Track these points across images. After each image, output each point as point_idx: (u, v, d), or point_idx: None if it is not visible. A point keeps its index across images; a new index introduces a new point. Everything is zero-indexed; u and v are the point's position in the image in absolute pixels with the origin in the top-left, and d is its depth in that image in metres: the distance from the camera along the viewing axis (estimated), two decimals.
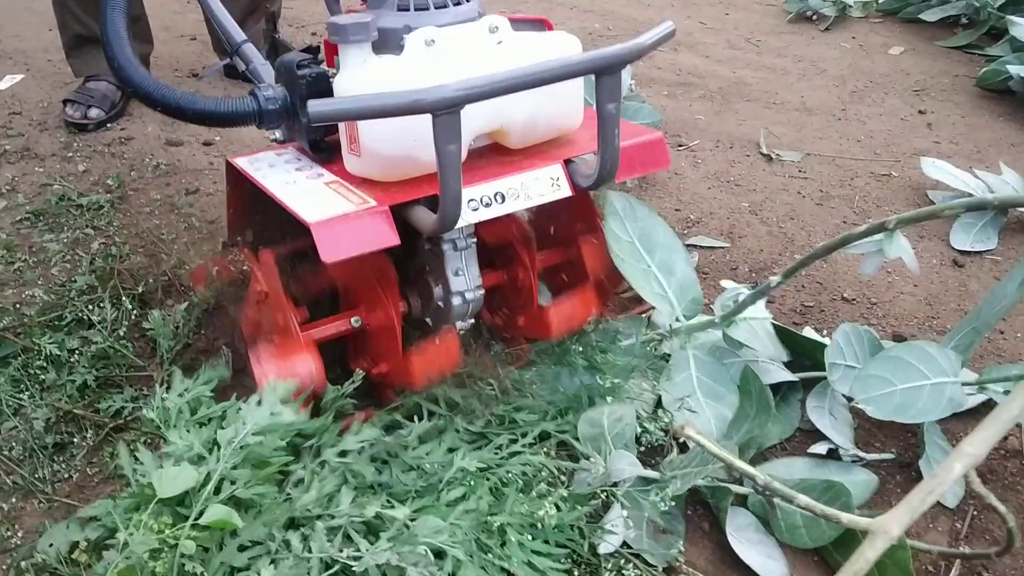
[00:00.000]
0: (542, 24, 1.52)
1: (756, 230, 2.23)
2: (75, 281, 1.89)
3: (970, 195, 2.23)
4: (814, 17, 3.82)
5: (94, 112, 2.62)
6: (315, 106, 1.06)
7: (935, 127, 2.85)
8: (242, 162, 1.46)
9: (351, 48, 1.30)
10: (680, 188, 2.43)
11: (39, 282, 1.94)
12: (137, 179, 2.37)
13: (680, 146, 2.69)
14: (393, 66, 1.30)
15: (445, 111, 1.07)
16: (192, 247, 1.94)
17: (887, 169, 2.58)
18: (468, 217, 1.29)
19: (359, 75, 1.29)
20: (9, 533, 1.41)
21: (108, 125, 2.64)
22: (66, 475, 1.51)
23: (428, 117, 1.08)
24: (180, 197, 2.28)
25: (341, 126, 1.33)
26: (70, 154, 2.49)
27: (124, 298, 1.81)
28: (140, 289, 1.84)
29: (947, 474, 1.09)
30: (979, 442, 1.11)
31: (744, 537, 1.38)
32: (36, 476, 1.50)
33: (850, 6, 3.78)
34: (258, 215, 1.57)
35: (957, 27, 3.59)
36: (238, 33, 1.69)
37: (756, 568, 1.34)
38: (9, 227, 2.15)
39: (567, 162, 1.40)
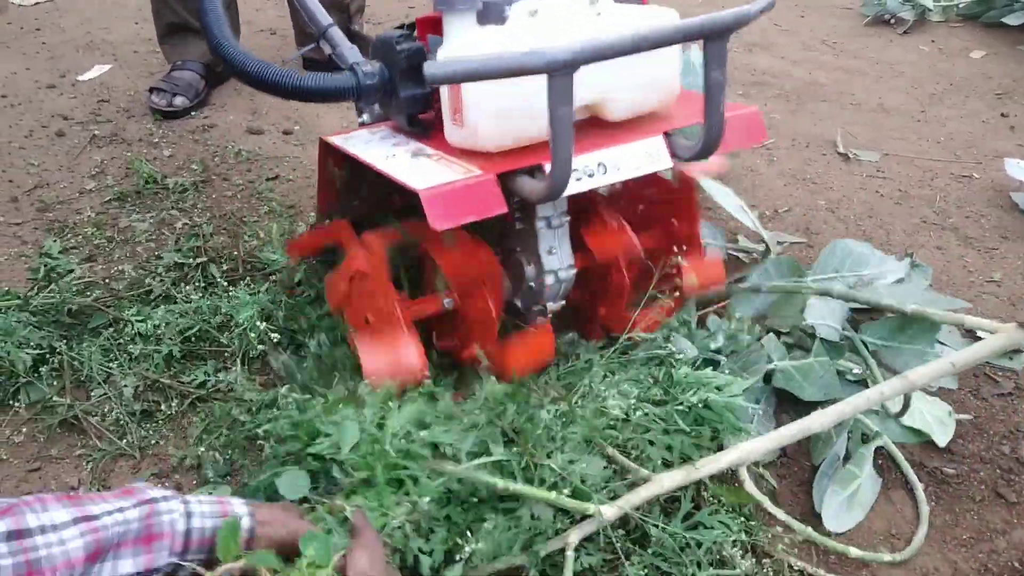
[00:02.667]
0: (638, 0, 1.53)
1: (834, 227, 2.20)
2: (161, 258, 1.95)
3: None
4: (892, 21, 3.76)
5: (179, 100, 2.69)
6: (432, 67, 1.07)
7: (1018, 130, 2.78)
8: (337, 140, 1.49)
9: (456, 17, 1.33)
10: (755, 184, 2.41)
11: (127, 258, 2.00)
12: (220, 164, 2.43)
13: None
14: (497, 35, 1.32)
15: (561, 71, 1.08)
16: (273, 229, 1.98)
17: (968, 171, 2.53)
18: (572, 187, 1.29)
19: (464, 44, 1.31)
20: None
21: (192, 113, 2.71)
22: (153, 440, 1.55)
23: (535, 86, 1.09)
24: (261, 183, 2.33)
25: (444, 99, 1.34)
26: (156, 140, 2.56)
27: (209, 275, 1.86)
28: (224, 267, 1.89)
29: None
30: None
31: None
32: (124, 441, 1.55)
33: (929, 10, 3.71)
34: (351, 193, 1.59)
35: None
36: (324, 17, 1.72)
37: None
38: (99, 207, 2.22)
39: (666, 135, 1.41)
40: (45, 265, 1.91)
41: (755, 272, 1.85)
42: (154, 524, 0.98)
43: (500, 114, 1.29)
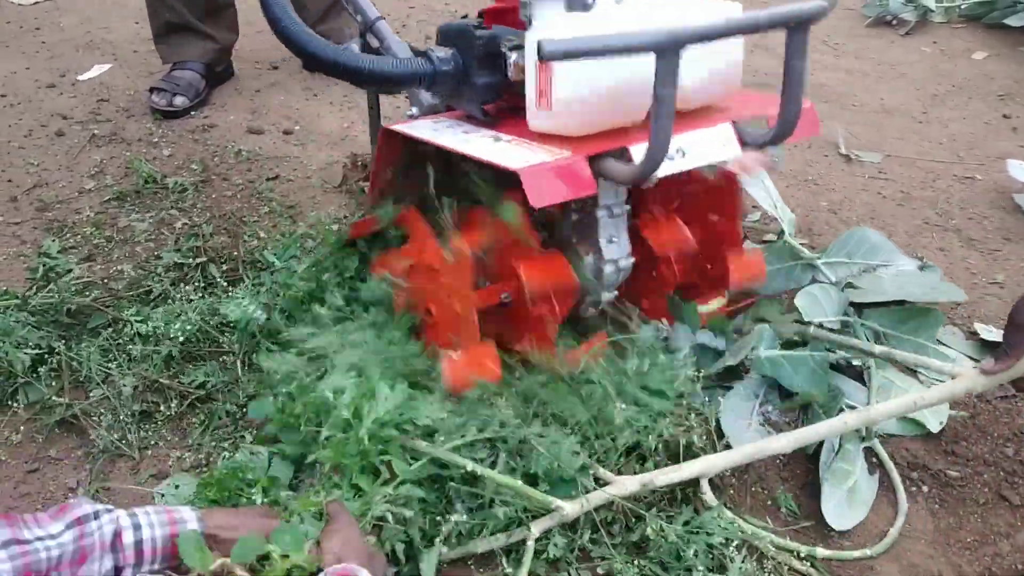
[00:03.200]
0: None
1: (836, 229, 2.19)
2: (161, 258, 1.94)
3: None
4: (893, 22, 3.75)
5: (179, 100, 2.68)
6: (548, 44, 1.10)
7: (1021, 131, 2.77)
8: (405, 128, 1.48)
9: (546, 3, 1.34)
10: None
11: (126, 258, 1.99)
12: (220, 164, 2.42)
13: None
14: (585, 22, 1.34)
15: (669, 50, 1.12)
16: (273, 230, 1.98)
17: (971, 172, 2.52)
18: (659, 170, 1.30)
19: (552, 30, 1.32)
20: (98, 494, 1.45)
21: (192, 113, 2.70)
22: (152, 441, 1.55)
23: (622, 71, 1.19)
24: (261, 183, 2.32)
25: (530, 82, 1.35)
26: (155, 139, 2.55)
27: (209, 275, 1.86)
28: (224, 267, 1.88)
29: None
30: None
31: None
32: (123, 441, 1.54)
33: (931, 11, 3.70)
34: (406, 182, 1.58)
35: None
36: (372, 10, 1.72)
37: None
38: (98, 206, 2.21)
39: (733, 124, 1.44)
40: (44, 265, 1.90)
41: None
42: (86, 545, 0.99)
43: (589, 98, 1.32)
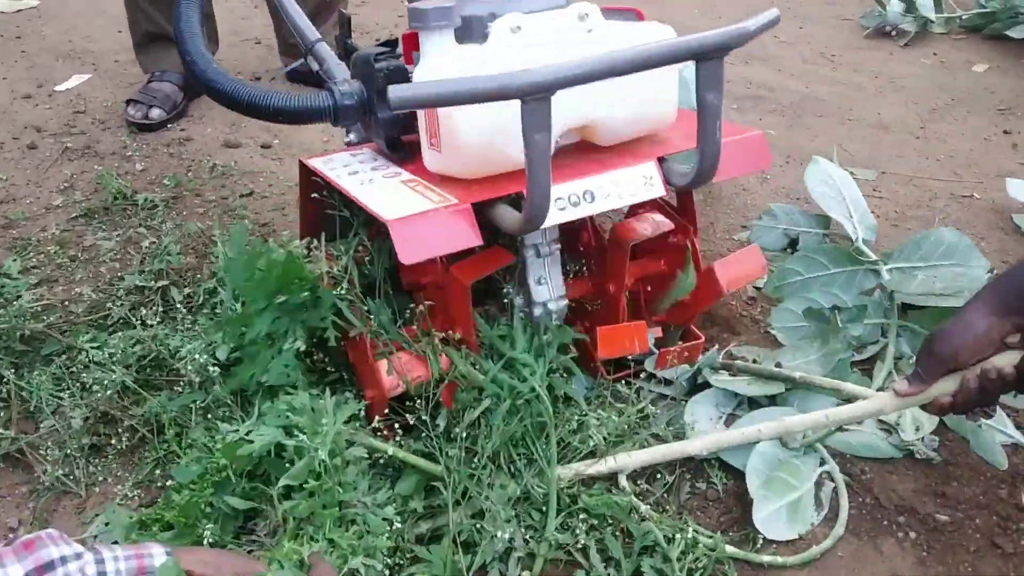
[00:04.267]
0: (634, 14, 1.45)
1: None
2: (123, 280, 1.87)
3: None
4: (893, 32, 3.67)
5: (155, 112, 2.62)
6: (396, 91, 0.98)
7: (1021, 148, 2.69)
8: (316, 163, 1.42)
9: (433, 34, 1.25)
10: (747, 204, 2.33)
11: (88, 279, 1.92)
12: (193, 179, 2.35)
13: None
14: (477, 54, 1.24)
15: (535, 96, 0.99)
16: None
17: (969, 190, 2.44)
18: (555, 217, 1.21)
19: (441, 63, 1.23)
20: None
21: (169, 126, 2.64)
22: (100, 477, 1.47)
23: (515, 106, 1.01)
24: (235, 199, 2.25)
25: (421, 122, 1.26)
26: (129, 153, 2.49)
27: (170, 299, 1.78)
28: (186, 291, 1.81)
29: None
30: None
31: None
32: (70, 477, 1.47)
33: (931, 21, 3.62)
34: (331, 218, 1.50)
35: None
36: (312, 32, 1.64)
37: None
38: (64, 223, 2.15)
39: (660, 160, 1.33)
40: (3, 286, 1.83)
41: (796, 259, 1.83)
42: None
43: (479, 139, 1.20)
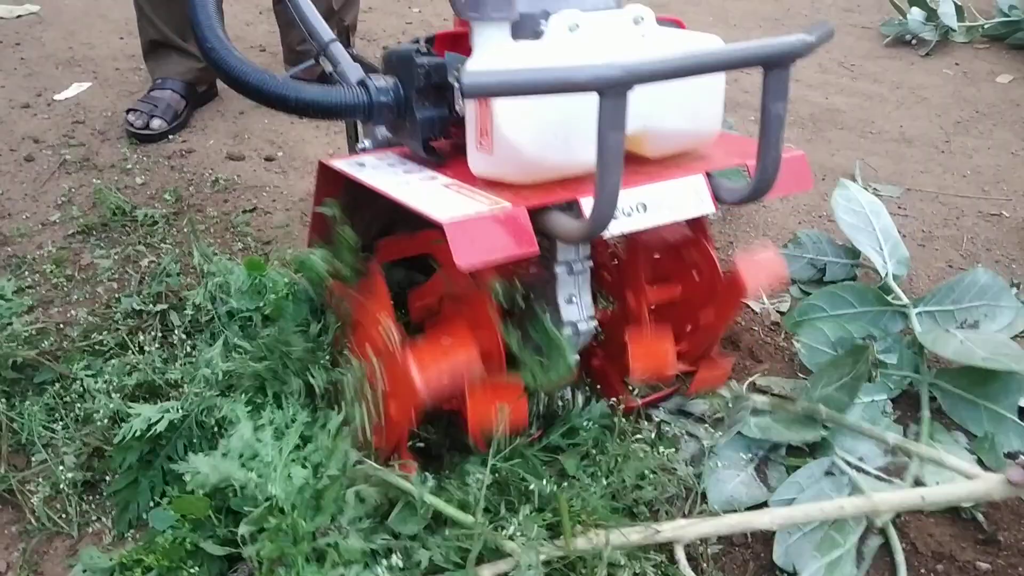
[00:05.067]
0: (675, 24, 1.38)
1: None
2: (120, 302, 1.79)
3: None
4: (913, 41, 3.59)
5: (156, 123, 2.54)
6: (472, 76, 0.91)
7: None
8: (340, 164, 1.31)
9: (489, 27, 1.17)
10: (767, 222, 2.25)
11: (85, 301, 1.85)
12: (195, 194, 2.28)
13: None
14: (534, 51, 1.16)
15: (616, 89, 0.93)
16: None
17: (997, 208, 2.35)
18: (612, 227, 1.13)
19: (496, 58, 1.15)
20: None
21: (170, 136, 2.56)
22: (94, 516, 1.40)
23: (576, 109, 0.97)
24: (237, 215, 2.17)
25: (470, 122, 1.18)
26: (129, 166, 2.41)
27: (169, 323, 1.71)
28: (186, 314, 1.73)
29: None
30: None
31: None
32: (62, 517, 1.39)
33: (953, 30, 3.53)
34: (354, 223, 1.42)
35: None
36: (326, 32, 1.56)
37: None
38: (61, 240, 2.07)
39: (707, 176, 1.25)
40: None
41: (821, 294, 1.72)
42: None
43: (536, 141, 1.12)
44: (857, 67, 3.39)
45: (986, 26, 3.56)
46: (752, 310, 1.88)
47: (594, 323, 1.37)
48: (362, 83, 1.30)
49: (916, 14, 3.52)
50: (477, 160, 1.19)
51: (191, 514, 1.15)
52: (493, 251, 1.06)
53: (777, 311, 1.88)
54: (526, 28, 1.20)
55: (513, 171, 1.17)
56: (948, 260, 2.11)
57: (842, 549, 1.31)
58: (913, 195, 2.42)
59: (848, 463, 1.43)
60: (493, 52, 1.17)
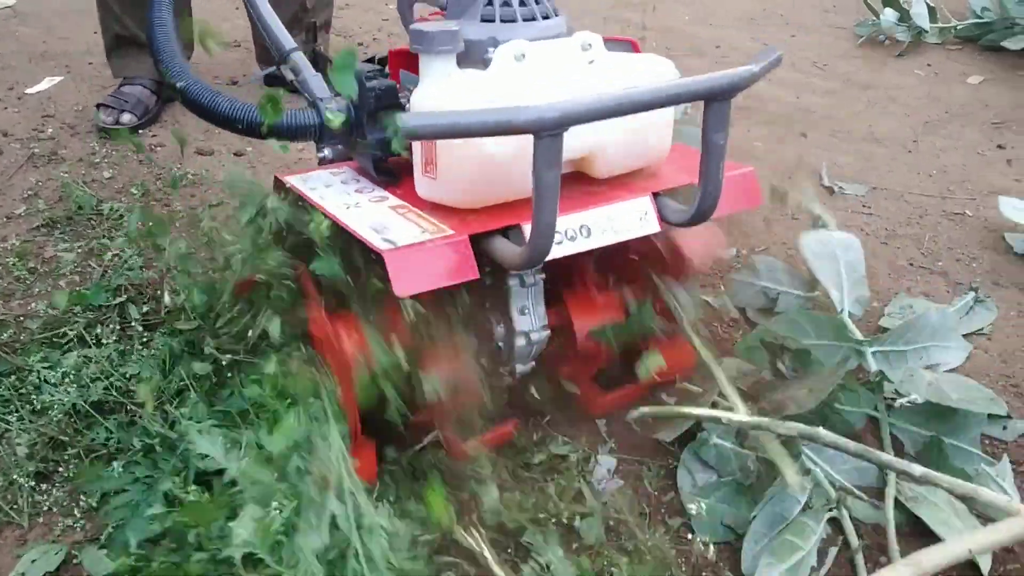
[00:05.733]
0: (629, 45, 1.41)
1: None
2: (82, 296, 1.79)
3: None
4: (886, 42, 3.61)
5: (126, 117, 2.54)
6: (409, 120, 0.96)
7: (1015, 164, 2.63)
8: (295, 180, 1.34)
9: (435, 59, 1.20)
10: (731, 220, 2.26)
11: (46, 294, 1.85)
12: (162, 188, 2.28)
13: None
14: (480, 81, 1.19)
15: (550, 132, 0.96)
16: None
17: (961, 208, 2.37)
18: (555, 251, 1.16)
19: (443, 89, 1.18)
20: None
21: (140, 131, 2.56)
22: (45, 507, 1.40)
23: (518, 139, 0.98)
24: (204, 209, 2.17)
25: (416, 147, 1.21)
26: (97, 160, 2.41)
27: (128, 316, 1.71)
28: (144, 309, 1.74)
29: None
30: None
31: None
32: (13, 507, 1.39)
33: (926, 31, 3.56)
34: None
35: None
36: (288, 40, 1.57)
37: None
38: (25, 233, 2.07)
39: (655, 196, 1.29)
40: None
41: (777, 321, 1.69)
42: None
43: (478, 169, 1.15)
44: (830, 67, 3.41)
45: (959, 27, 3.58)
46: (711, 306, 1.90)
47: (547, 333, 1.40)
48: (313, 105, 1.34)
49: (889, 15, 3.55)
50: (423, 185, 1.23)
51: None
52: (432, 279, 1.09)
53: (737, 307, 1.90)
54: (474, 55, 1.23)
55: (458, 197, 1.20)
56: (910, 259, 2.13)
57: (802, 552, 1.31)
58: (878, 193, 2.44)
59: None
60: (438, 83, 1.20)
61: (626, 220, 1.25)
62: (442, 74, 1.21)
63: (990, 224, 2.28)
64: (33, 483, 1.43)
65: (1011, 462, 1.49)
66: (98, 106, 2.57)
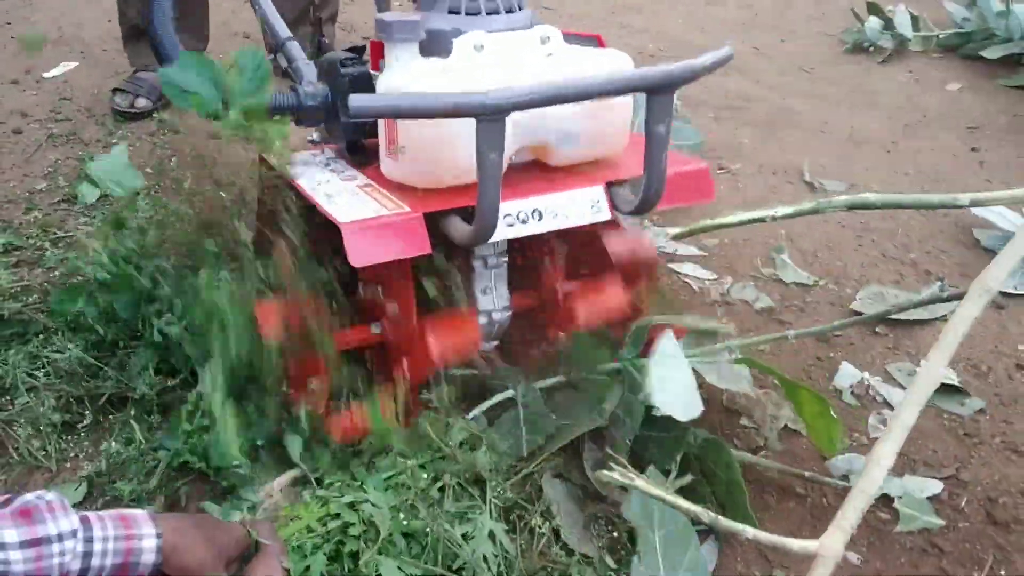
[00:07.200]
0: (595, 40, 1.49)
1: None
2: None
3: None
4: (871, 49, 3.75)
5: (141, 102, 2.65)
6: (357, 100, 1.04)
7: (987, 166, 2.76)
8: (271, 158, 1.46)
9: (397, 47, 1.29)
10: (715, 212, 2.37)
11: (67, 261, 1.96)
12: (174, 169, 2.39)
13: (721, 169, 2.65)
14: (438, 68, 1.28)
15: (489, 116, 1.05)
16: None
17: None
18: (503, 232, 1.26)
19: (403, 75, 1.27)
20: None
21: (154, 115, 2.67)
22: (71, 453, 1.51)
23: (471, 122, 1.06)
24: (215, 189, 2.29)
25: (381, 129, 1.31)
26: (114, 140, 2.53)
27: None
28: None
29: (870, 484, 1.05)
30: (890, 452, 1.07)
31: None
32: (43, 452, 1.51)
33: (909, 40, 3.70)
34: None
35: (1020, 66, 3.48)
36: (283, 30, 1.70)
37: None
38: (46, 207, 2.18)
39: (609, 185, 1.37)
40: None
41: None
42: (43, 566, 0.94)
43: (435, 151, 1.25)
44: (816, 71, 3.55)
45: (941, 36, 3.72)
46: (692, 288, 2.02)
47: (508, 313, 1.49)
48: (292, 88, 1.46)
49: (873, 23, 3.68)
50: (388, 165, 1.33)
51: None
52: (386, 251, 1.20)
53: (720, 292, 2.02)
54: (438, 45, 1.31)
55: (417, 177, 1.30)
56: (883, 251, 2.26)
57: None
58: (857, 190, 2.56)
59: None
60: (400, 70, 1.29)
61: (578, 207, 1.33)
62: (404, 61, 1.29)
63: (961, 221, 2.40)
64: (60, 432, 1.54)
65: None
66: (114, 90, 2.68)
